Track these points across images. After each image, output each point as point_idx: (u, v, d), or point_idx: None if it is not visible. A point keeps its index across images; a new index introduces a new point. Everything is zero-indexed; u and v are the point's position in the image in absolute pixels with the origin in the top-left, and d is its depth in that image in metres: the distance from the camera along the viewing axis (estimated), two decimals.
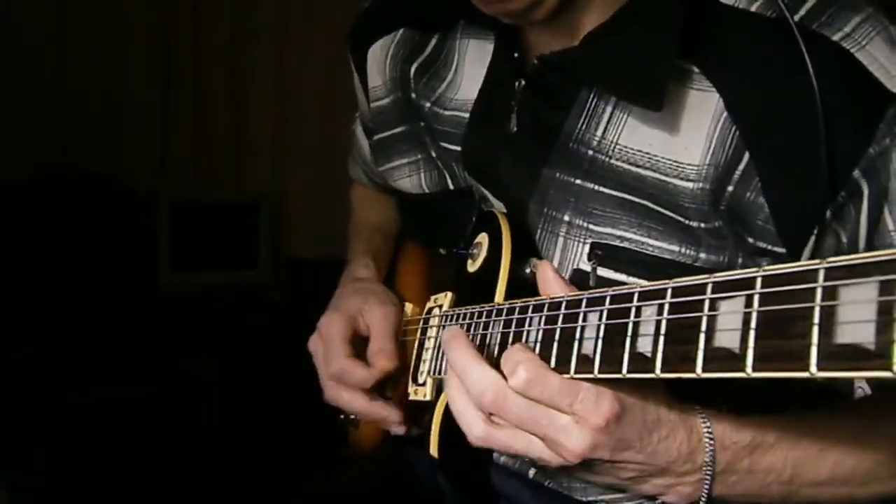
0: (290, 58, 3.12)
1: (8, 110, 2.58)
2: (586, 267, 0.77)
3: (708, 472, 0.62)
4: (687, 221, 0.73)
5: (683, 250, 0.74)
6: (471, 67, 0.90)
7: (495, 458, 0.91)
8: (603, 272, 0.76)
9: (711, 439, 0.61)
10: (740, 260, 0.74)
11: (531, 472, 0.88)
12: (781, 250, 0.70)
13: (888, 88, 0.65)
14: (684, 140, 0.72)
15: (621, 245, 0.75)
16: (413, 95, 0.95)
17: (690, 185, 0.71)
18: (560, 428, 0.58)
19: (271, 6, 3.10)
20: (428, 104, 0.93)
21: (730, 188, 0.70)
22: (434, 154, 0.95)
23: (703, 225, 0.73)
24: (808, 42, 0.64)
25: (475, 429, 0.63)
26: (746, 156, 0.69)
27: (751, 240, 0.72)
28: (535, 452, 0.61)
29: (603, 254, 0.76)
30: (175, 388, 2.52)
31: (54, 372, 2.31)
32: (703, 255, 0.74)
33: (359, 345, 0.93)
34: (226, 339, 2.65)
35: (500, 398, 0.59)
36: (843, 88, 0.65)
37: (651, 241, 0.74)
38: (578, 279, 0.78)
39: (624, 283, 0.74)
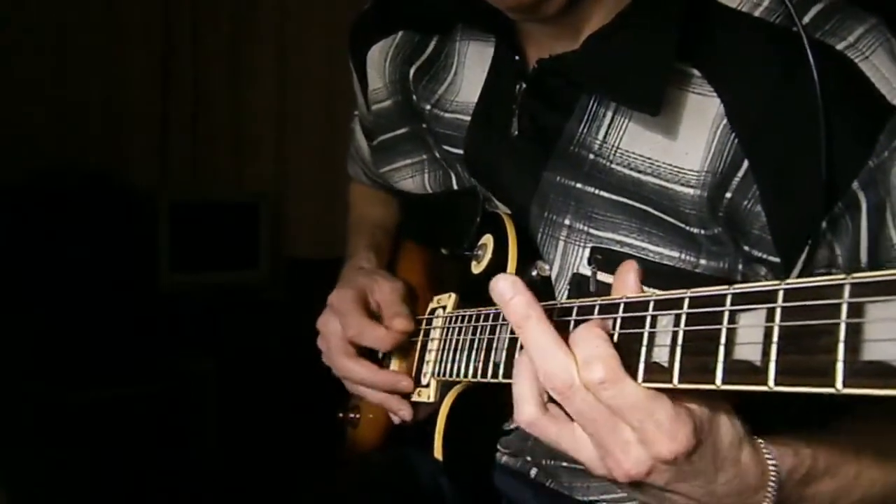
0: (290, 58, 3.12)
1: (8, 111, 2.58)
2: (586, 271, 0.77)
3: None
4: (687, 227, 0.73)
5: (684, 256, 0.74)
6: (471, 70, 0.90)
7: (497, 458, 0.91)
8: (603, 277, 0.76)
9: (776, 482, 0.56)
10: (741, 267, 0.74)
11: (533, 472, 0.89)
12: (776, 260, 0.70)
13: (889, 101, 0.64)
14: (685, 145, 0.71)
15: (621, 250, 0.75)
16: (414, 97, 0.95)
17: (691, 191, 0.71)
18: (621, 442, 0.52)
19: (271, 6, 3.10)
20: (428, 106, 0.93)
21: (728, 195, 0.70)
22: (438, 155, 0.95)
23: (703, 231, 0.72)
24: (812, 50, 0.63)
25: (527, 409, 0.56)
26: (745, 163, 0.69)
27: (746, 248, 0.71)
28: (581, 454, 0.56)
29: (603, 258, 0.76)
30: (175, 388, 2.52)
31: (54, 372, 2.31)
32: (703, 262, 0.74)
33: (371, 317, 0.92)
34: (225, 339, 2.65)
35: (567, 388, 0.52)
36: (845, 98, 0.65)
37: (651, 247, 0.74)
38: (578, 283, 0.78)
39: None
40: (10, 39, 2.64)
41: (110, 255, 2.55)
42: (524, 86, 0.82)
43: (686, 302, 0.49)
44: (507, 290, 0.55)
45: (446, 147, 0.92)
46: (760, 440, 0.57)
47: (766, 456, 0.56)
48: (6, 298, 2.26)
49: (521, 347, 0.59)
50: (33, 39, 2.69)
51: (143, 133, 2.92)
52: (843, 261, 0.69)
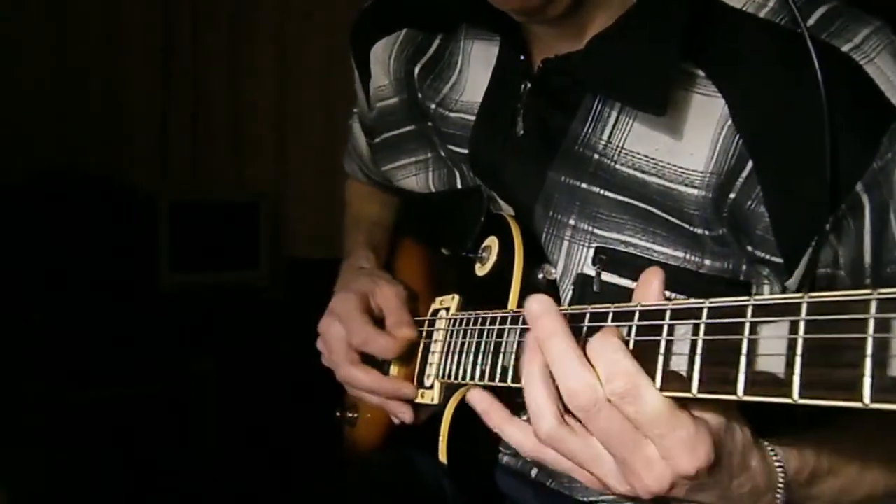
0: (290, 58, 3.12)
1: (8, 111, 2.58)
2: (591, 271, 0.77)
3: None
4: (692, 228, 0.73)
5: (689, 256, 0.74)
6: (476, 69, 0.90)
7: (498, 458, 0.91)
8: (607, 277, 0.76)
9: (783, 483, 0.57)
10: (745, 267, 0.74)
11: (533, 472, 0.89)
12: (779, 260, 0.70)
13: (893, 103, 0.65)
14: (689, 146, 0.72)
15: (626, 250, 0.75)
16: (419, 96, 0.95)
17: (695, 191, 0.71)
18: (643, 458, 0.52)
19: (271, 6, 3.10)
20: (433, 105, 0.93)
21: (732, 196, 0.70)
22: (443, 154, 0.95)
23: (707, 232, 0.73)
24: (817, 51, 0.63)
25: (546, 422, 0.56)
26: (749, 164, 0.69)
27: (750, 248, 0.72)
28: (600, 470, 0.56)
29: (607, 258, 0.76)
30: (175, 388, 2.52)
31: (54, 372, 2.31)
32: (707, 262, 0.74)
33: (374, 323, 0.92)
34: (226, 339, 2.65)
35: (592, 404, 0.52)
36: (849, 100, 0.65)
37: (656, 247, 0.74)
38: (582, 283, 0.78)
39: (629, 289, 0.74)
40: (10, 39, 2.64)
41: (110, 255, 2.54)
42: (529, 85, 0.82)
43: (705, 312, 0.49)
44: (538, 308, 0.55)
45: (451, 146, 0.92)
46: (767, 442, 0.58)
47: (773, 458, 0.58)
48: (6, 299, 2.26)
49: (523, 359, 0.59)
50: (33, 39, 2.69)
51: (143, 133, 2.92)
52: (845, 261, 0.69)
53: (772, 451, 0.58)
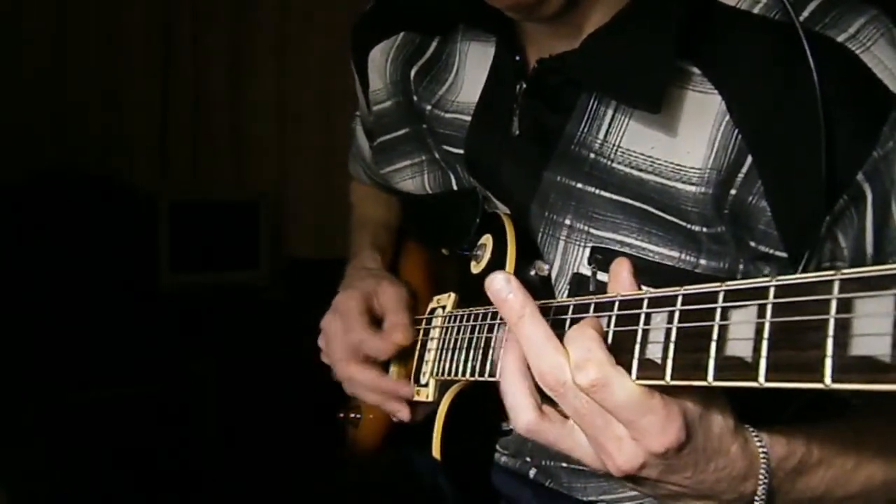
0: (290, 58, 3.12)
1: (8, 111, 2.58)
2: (586, 271, 0.77)
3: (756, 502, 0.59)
4: (689, 226, 0.73)
5: (684, 256, 0.74)
6: (472, 70, 0.90)
7: (496, 458, 0.91)
8: (603, 276, 0.76)
9: (767, 470, 0.58)
10: (741, 266, 0.74)
11: (532, 473, 0.89)
12: (783, 254, 0.70)
13: (892, 91, 0.65)
14: (686, 143, 0.72)
15: (621, 250, 0.75)
16: (414, 98, 0.95)
17: (693, 188, 0.71)
18: (614, 437, 0.53)
19: (271, 6, 3.10)
20: (429, 107, 0.93)
21: (733, 192, 0.70)
22: (437, 156, 0.95)
23: (705, 229, 0.73)
24: (812, 44, 0.64)
25: (524, 416, 0.57)
26: (749, 159, 0.69)
27: (753, 244, 0.72)
28: (577, 451, 0.57)
29: (603, 258, 0.76)
30: (175, 388, 2.52)
31: (54, 372, 2.31)
32: (703, 262, 0.74)
33: (373, 323, 0.92)
34: (226, 339, 2.65)
35: (561, 385, 0.53)
36: (846, 91, 0.65)
37: (651, 247, 0.74)
38: (578, 283, 0.78)
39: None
40: (10, 40, 2.64)
41: (110, 255, 2.55)
42: (524, 86, 0.82)
43: (679, 299, 0.49)
44: (503, 287, 0.56)
45: (446, 147, 0.92)
46: (752, 429, 0.58)
47: (758, 445, 0.58)
48: (6, 298, 2.26)
49: (505, 353, 0.59)
50: (33, 40, 2.69)
51: (143, 133, 2.92)
52: (848, 252, 0.69)
53: (756, 437, 0.58)
